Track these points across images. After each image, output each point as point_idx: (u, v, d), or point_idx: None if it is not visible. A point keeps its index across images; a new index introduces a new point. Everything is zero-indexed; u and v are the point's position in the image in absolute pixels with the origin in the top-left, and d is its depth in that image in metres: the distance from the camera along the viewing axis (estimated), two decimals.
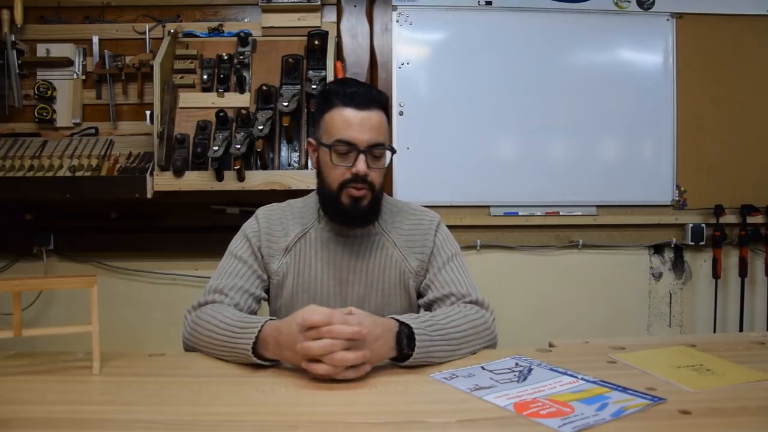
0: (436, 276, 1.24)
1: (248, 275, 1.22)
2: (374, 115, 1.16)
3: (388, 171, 2.46)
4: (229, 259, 1.24)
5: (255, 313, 1.21)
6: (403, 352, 0.96)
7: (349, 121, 1.14)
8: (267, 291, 1.27)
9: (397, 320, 0.99)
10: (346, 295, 1.23)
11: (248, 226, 1.28)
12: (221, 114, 2.16)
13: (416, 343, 0.96)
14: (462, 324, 1.07)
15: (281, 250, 1.25)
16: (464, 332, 1.06)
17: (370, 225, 1.24)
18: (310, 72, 2.22)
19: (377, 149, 1.16)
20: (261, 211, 1.30)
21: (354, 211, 1.17)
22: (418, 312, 1.27)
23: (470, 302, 1.16)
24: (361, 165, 1.14)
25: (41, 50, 2.35)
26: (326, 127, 1.18)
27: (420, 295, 1.27)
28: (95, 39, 2.38)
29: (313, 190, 1.31)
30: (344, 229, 1.24)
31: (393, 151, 1.21)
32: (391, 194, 2.38)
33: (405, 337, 0.97)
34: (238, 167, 2.10)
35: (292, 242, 1.25)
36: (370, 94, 1.18)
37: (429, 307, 1.23)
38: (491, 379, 0.91)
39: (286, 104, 2.11)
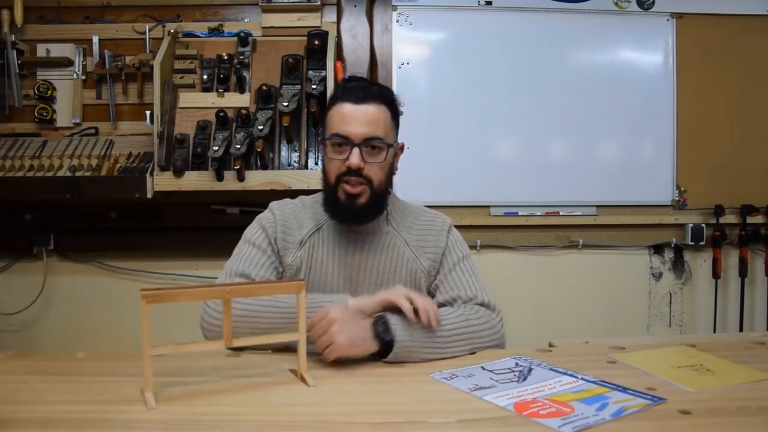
0: (446, 277, 1.24)
1: (266, 265, 1.22)
2: (371, 109, 1.17)
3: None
4: (246, 245, 1.24)
5: None
6: (383, 340, 0.99)
7: (345, 115, 1.16)
8: None
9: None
10: (356, 293, 1.22)
11: (264, 217, 1.28)
12: (221, 114, 2.16)
13: (393, 332, 0.99)
14: (454, 322, 1.08)
15: (296, 244, 1.24)
16: (454, 330, 1.07)
17: (370, 221, 1.24)
18: (310, 72, 2.22)
19: (374, 142, 1.16)
20: (275, 205, 1.30)
21: (350, 207, 1.18)
22: None
23: (477, 304, 1.17)
24: (354, 158, 1.14)
25: (41, 50, 2.35)
26: (327, 123, 1.21)
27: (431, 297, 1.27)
28: (95, 39, 2.38)
29: (315, 190, 1.32)
30: (354, 225, 1.24)
31: (389, 146, 1.20)
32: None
33: (381, 325, 1.01)
34: (238, 167, 2.10)
35: (307, 236, 1.25)
36: (369, 89, 1.20)
37: None
38: (491, 379, 0.91)
39: (286, 104, 2.11)
